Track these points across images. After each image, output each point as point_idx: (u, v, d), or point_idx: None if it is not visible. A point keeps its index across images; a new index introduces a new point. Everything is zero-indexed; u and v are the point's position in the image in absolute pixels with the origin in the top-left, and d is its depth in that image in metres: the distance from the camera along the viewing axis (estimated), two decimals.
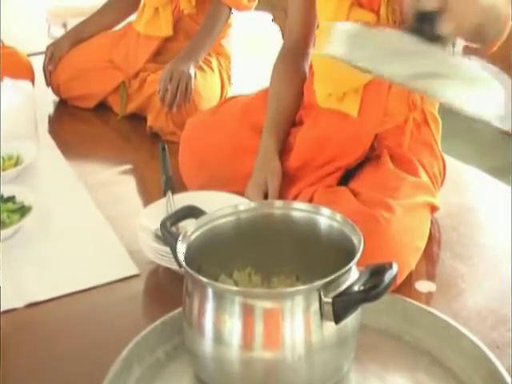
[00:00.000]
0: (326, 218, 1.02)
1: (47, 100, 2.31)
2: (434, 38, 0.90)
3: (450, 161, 1.58)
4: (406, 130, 1.47)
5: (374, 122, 1.45)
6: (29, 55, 2.34)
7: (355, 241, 0.95)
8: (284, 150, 1.52)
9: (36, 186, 1.63)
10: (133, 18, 2.29)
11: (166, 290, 1.32)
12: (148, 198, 1.62)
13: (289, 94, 1.58)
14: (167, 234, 1.04)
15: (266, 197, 1.44)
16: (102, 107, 2.25)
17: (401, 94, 1.45)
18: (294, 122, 1.58)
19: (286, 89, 1.58)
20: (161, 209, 1.40)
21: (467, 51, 0.94)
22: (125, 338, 1.02)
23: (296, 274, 1.07)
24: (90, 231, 1.51)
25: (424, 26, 0.90)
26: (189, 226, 1.01)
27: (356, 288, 0.88)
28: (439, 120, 1.53)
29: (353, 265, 0.91)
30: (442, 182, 1.52)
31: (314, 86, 1.51)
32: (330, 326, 0.89)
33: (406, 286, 1.26)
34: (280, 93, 1.57)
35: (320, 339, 0.89)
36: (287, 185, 1.47)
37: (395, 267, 0.90)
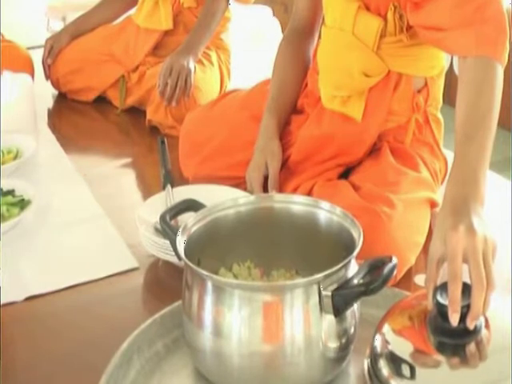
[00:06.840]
0: (326, 212, 1.02)
1: (46, 93, 2.30)
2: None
3: (449, 155, 1.58)
4: (407, 130, 1.46)
5: (377, 125, 1.44)
6: (28, 48, 2.34)
7: (355, 234, 0.96)
8: (285, 141, 1.52)
9: (35, 180, 1.63)
10: (132, 11, 2.28)
11: (165, 284, 1.32)
12: (147, 191, 1.62)
13: (292, 74, 1.57)
14: (167, 227, 1.04)
15: (266, 179, 1.45)
16: (102, 101, 2.24)
17: (405, 96, 1.44)
18: (295, 109, 1.58)
19: (290, 69, 1.58)
20: (160, 202, 1.40)
21: None
22: (124, 331, 1.03)
23: (295, 267, 1.08)
24: (89, 225, 1.51)
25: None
26: (188, 220, 1.02)
27: (355, 281, 0.89)
28: (442, 121, 1.52)
29: (352, 258, 0.92)
30: (443, 180, 1.52)
31: (318, 81, 1.50)
32: (329, 320, 0.89)
33: (405, 280, 1.26)
34: (284, 73, 1.57)
35: (319, 332, 0.89)
36: (287, 178, 1.47)
37: (394, 260, 0.90)
